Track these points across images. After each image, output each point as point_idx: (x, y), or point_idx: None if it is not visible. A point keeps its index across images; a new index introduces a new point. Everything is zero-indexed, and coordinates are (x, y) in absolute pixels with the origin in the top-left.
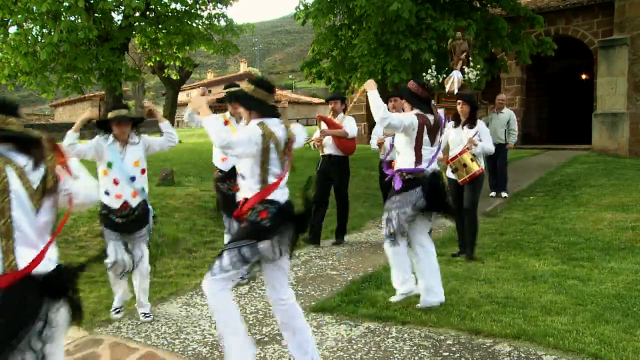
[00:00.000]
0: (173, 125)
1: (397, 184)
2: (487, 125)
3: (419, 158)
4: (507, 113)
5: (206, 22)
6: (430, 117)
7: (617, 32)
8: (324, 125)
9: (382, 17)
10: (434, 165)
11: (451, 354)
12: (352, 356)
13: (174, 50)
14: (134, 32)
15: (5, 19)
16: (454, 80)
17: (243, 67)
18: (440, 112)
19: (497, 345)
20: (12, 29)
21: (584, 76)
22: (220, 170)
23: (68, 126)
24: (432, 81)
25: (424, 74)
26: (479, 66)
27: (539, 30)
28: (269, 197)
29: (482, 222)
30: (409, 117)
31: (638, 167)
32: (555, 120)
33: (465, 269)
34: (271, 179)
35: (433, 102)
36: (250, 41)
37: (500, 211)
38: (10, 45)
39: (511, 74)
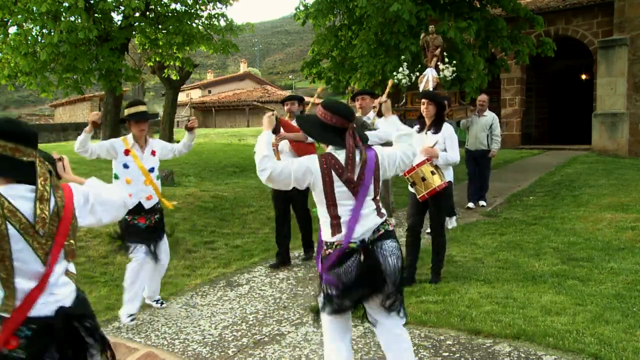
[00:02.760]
0: (173, 125)
1: (318, 264)
2: (467, 129)
3: (335, 223)
4: (490, 116)
5: (206, 22)
6: (341, 156)
7: (616, 32)
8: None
9: (382, 17)
10: (365, 231)
11: (451, 354)
12: (352, 356)
13: (174, 51)
14: (133, 33)
15: (5, 19)
16: (428, 79)
17: (243, 67)
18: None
19: (497, 345)
20: (12, 29)
21: (583, 76)
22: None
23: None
24: (404, 80)
25: (394, 72)
26: (480, 67)
27: (539, 30)
28: None
29: (482, 222)
30: (304, 162)
31: (638, 167)
32: (555, 120)
33: (465, 269)
34: None
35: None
36: (250, 41)
37: (500, 211)
38: (10, 46)
39: (511, 74)
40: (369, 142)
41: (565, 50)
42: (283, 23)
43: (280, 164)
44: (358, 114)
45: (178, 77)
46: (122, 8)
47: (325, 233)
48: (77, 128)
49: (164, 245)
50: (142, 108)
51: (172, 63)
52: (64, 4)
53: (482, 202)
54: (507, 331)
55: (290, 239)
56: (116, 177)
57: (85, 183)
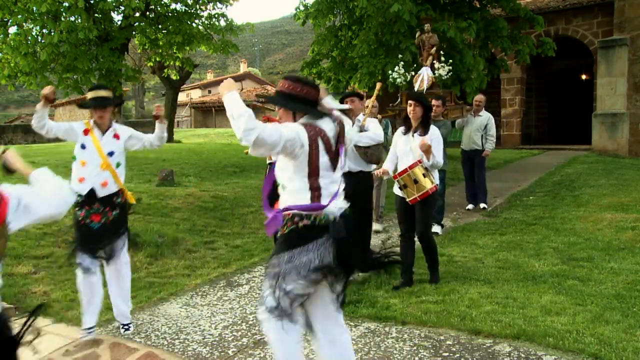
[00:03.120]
0: (173, 125)
1: (281, 235)
2: (462, 128)
3: (316, 192)
4: (485, 116)
5: (206, 22)
6: (327, 126)
7: (617, 32)
8: None
9: (383, 17)
10: (340, 203)
11: (451, 354)
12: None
13: (174, 50)
14: (134, 32)
15: (6, 19)
16: (423, 78)
17: (243, 67)
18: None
19: (497, 345)
20: (12, 29)
21: (583, 76)
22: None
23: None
24: (398, 79)
25: (389, 71)
26: (480, 67)
27: (539, 30)
28: None
29: (482, 222)
30: (292, 129)
31: (638, 167)
32: (555, 120)
33: (465, 269)
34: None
35: (330, 99)
36: (250, 41)
37: (500, 211)
38: (10, 46)
39: (511, 74)
40: (362, 144)
41: (565, 50)
42: (283, 23)
43: (268, 125)
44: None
45: (178, 77)
46: (122, 8)
47: (300, 202)
48: None
49: (124, 255)
50: (101, 93)
51: (172, 63)
52: (64, 4)
53: (482, 205)
54: (507, 331)
55: None
56: (74, 158)
57: (31, 174)
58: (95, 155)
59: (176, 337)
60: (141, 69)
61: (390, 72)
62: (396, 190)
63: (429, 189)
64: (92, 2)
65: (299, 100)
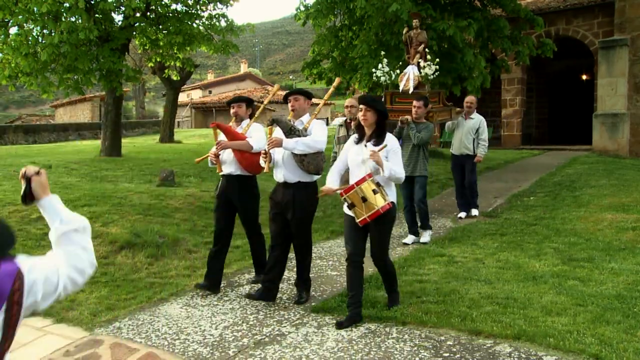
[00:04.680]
0: (173, 126)
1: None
2: (453, 131)
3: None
4: (477, 119)
5: (206, 22)
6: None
7: (617, 32)
8: (222, 136)
9: (383, 18)
10: None
11: (452, 355)
12: (353, 357)
13: (175, 51)
14: (134, 33)
15: (6, 20)
16: (409, 77)
17: (243, 68)
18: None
19: (498, 346)
20: (13, 30)
21: (584, 77)
22: None
23: (69, 127)
24: (383, 78)
25: (373, 69)
26: (481, 65)
27: (539, 31)
28: None
29: (482, 222)
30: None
31: (638, 167)
32: (555, 120)
33: (466, 269)
34: None
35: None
36: (250, 42)
37: (501, 212)
38: (10, 46)
39: (512, 74)
40: (297, 152)
41: (566, 51)
42: (283, 23)
43: None
44: (289, 117)
45: (178, 78)
46: (123, 8)
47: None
48: (78, 128)
49: None
50: None
51: (172, 63)
52: (64, 5)
53: (474, 211)
54: (508, 332)
55: (223, 259)
56: None
57: (43, 200)
58: None
59: (177, 337)
60: (142, 69)
61: (374, 70)
62: (345, 209)
63: (380, 207)
64: (92, 2)
65: None
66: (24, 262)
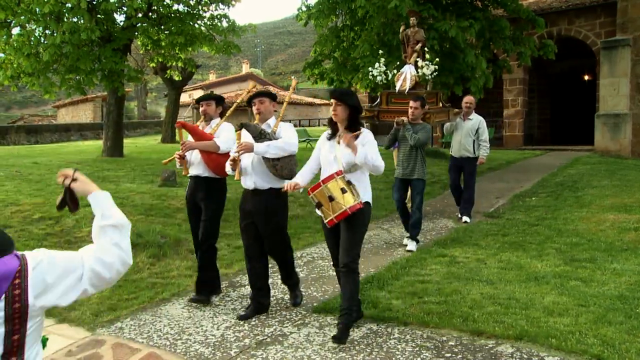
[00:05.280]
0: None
1: None
2: (452, 133)
3: None
4: (476, 119)
5: (208, 23)
6: None
7: (619, 32)
8: (189, 136)
9: (384, 17)
10: None
11: (453, 355)
12: (354, 357)
13: (176, 51)
14: (136, 33)
15: (9, 20)
16: (405, 77)
17: (245, 68)
18: None
19: (500, 346)
20: (15, 30)
21: (586, 77)
22: None
23: (70, 127)
24: (379, 78)
25: (369, 68)
26: (483, 65)
27: (540, 32)
28: None
29: (484, 223)
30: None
31: None
32: (557, 121)
33: (468, 270)
34: None
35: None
36: (252, 42)
37: (503, 212)
38: (13, 47)
39: (513, 74)
40: (269, 155)
41: (568, 51)
42: (285, 24)
43: None
44: (255, 122)
45: (180, 78)
46: (125, 9)
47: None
48: (80, 129)
49: None
50: None
51: (174, 64)
52: (66, 5)
53: (465, 218)
54: (510, 332)
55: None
56: None
57: (92, 195)
58: None
59: (178, 337)
60: (143, 69)
61: (370, 69)
62: (316, 209)
63: (348, 207)
64: (94, 2)
65: None
66: (32, 257)
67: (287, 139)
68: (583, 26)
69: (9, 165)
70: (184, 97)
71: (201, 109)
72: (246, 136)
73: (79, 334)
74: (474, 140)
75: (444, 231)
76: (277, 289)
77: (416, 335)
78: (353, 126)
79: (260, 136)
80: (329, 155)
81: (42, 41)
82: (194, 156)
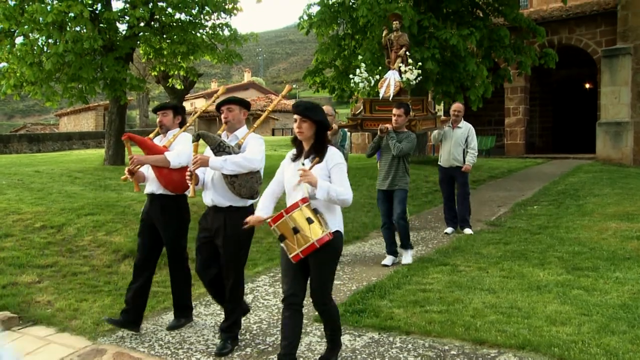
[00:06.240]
0: None
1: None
2: (440, 142)
3: None
4: (465, 127)
5: (210, 32)
6: None
7: (620, 41)
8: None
9: (385, 26)
10: None
11: None
12: None
13: (178, 60)
14: (138, 42)
15: (12, 30)
16: (389, 83)
17: (247, 77)
18: None
19: (502, 355)
20: (19, 40)
21: (587, 85)
22: None
23: (72, 135)
24: (361, 84)
25: (351, 75)
26: (484, 74)
27: (541, 41)
28: None
29: (486, 231)
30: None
31: None
32: (558, 129)
33: (469, 278)
34: None
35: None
36: (254, 51)
37: (505, 220)
38: (16, 56)
39: (515, 83)
40: (226, 172)
41: (569, 59)
42: (287, 32)
43: None
44: (220, 131)
45: (182, 87)
46: (127, 18)
47: None
48: (82, 137)
49: None
50: None
51: (176, 72)
52: (69, 14)
53: (467, 230)
54: (512, 341)
55: (147, 290)
56: None
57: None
58: None
59: (180, 346)
60: (145, 78)
61: (351, 76)
62: (279, 241)
63: (315, 240)
64: (97, 12)
65: None
66: None
67: (249, 154)
68: (584, 35)
69: (11, 174)
70: (186, 106)
71: (157, 119)
72: (207, 149)
73: (80, 343)
74: (464, 150)
75: (446, 240)
76: (279, 298)
77: (418, 345)
78: (320, 145)
79: (219, 149)
80: (293, 179)
81: (45, 50)
82: (150, 172)
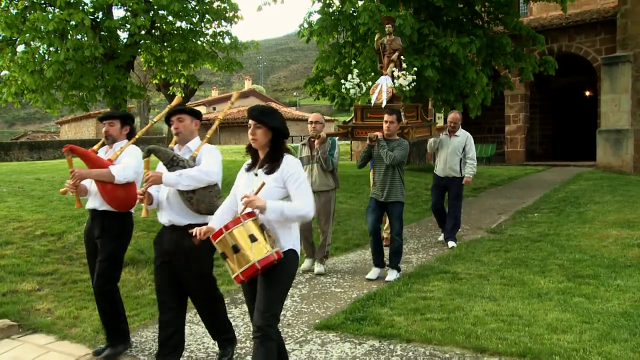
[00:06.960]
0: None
1: None
2: (436, 151)
3: None
4: (463, 136)
5: (211, 40)
6: None
7: (620, 49)
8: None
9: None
10: None
11: None
12: None
13: (179, 68)
14: (139, 50)
15: (14, 38)
16: (381, 89)
17: (247, 85)
18: None
19: None
20: (20, 48)
21: (587, 93)
22: None
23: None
24: (352, 90)
25: (342, 80)
26: (484, 82)
27: (541, 48)
28: None
29: (487, 239)
30: None
31: None
32: (559, 136)
33: (470, 286)
34: None
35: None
36: (254, 59)
37: (505, 228)
38: (17, 64)
39: (515, 90)
40: (183, 188)
41: (569, 67)
42: (287, 40)
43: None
44: (172, 145)
45: (183, 94)
46: (128, 26)
47: None
48: (83, 145)
49: None
50: None
51: (177, 80)
52: (70, 23)
53: (451, 243)
54: (513, 349)
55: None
56: None
57: None
58: None
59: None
60: (146, 86)
61: (342, 81)
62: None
63: (257, 261)
64: (98, 20)
65: None
66: None
67: (205, 166)
68: (583, 43)
69: (11, 181)
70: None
71: (103, 129)
72: (160, 165)
73: (80, 351)
74: (460, 159)
75: (446, 247)
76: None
77: (419, 352)
78: (275, 154)
79: (173, 163)
80: (246, 190)
81: (46, 58)
82: (93, 186)
